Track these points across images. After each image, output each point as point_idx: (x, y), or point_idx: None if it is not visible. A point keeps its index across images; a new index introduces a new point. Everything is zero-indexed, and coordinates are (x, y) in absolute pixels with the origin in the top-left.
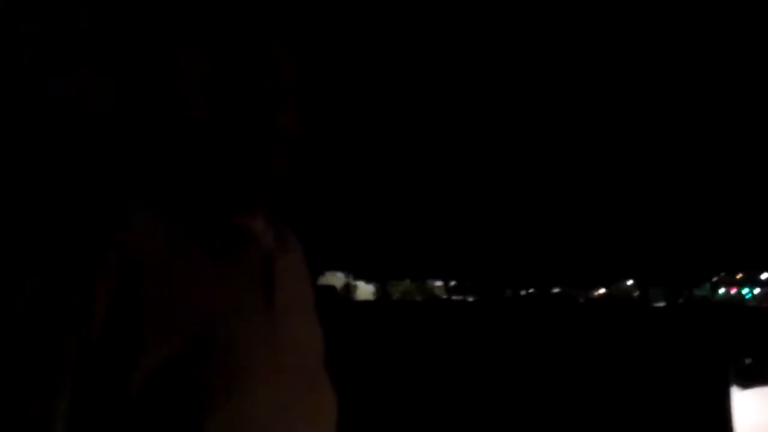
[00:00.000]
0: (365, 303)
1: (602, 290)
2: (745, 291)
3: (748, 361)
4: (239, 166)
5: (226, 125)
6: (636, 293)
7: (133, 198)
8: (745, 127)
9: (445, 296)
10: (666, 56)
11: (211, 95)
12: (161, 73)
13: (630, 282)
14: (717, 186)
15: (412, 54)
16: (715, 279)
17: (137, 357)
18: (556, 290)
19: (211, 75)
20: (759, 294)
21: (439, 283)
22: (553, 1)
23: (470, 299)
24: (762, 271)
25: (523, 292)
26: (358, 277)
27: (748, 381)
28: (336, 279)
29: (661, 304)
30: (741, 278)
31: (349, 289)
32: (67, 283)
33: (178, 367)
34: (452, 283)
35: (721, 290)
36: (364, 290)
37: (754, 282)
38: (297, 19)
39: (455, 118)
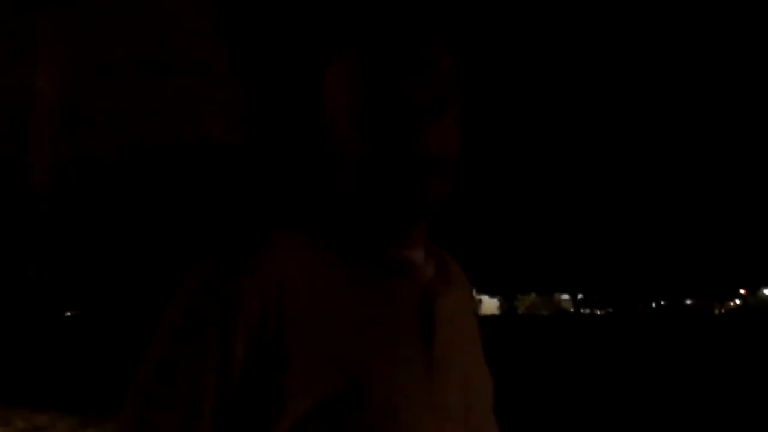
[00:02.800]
0: (491, 317)
1: (738, 300)
2: None
3: None
4: (392, 193)
5: (377, 149)
6: None
7: (279, 231)
8: None
9: (572, 310)
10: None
11: (362, 117)
12: (308, 98)
13: None
14: None
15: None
16: None
17: (280, 405)
18: (689, 302)
19: (360, 94)
20: None
21: (566, 297)
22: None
23: (599, 312)
24: None
25: (654, 305)
26: (482, 291)
27: None
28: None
29: None
30: None
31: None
32: (206, 327)
33: (324, 417)
34: (580, 296)
35: None
36: (489, 304)
37: None
38: (453, 21)
39: (582, 133)
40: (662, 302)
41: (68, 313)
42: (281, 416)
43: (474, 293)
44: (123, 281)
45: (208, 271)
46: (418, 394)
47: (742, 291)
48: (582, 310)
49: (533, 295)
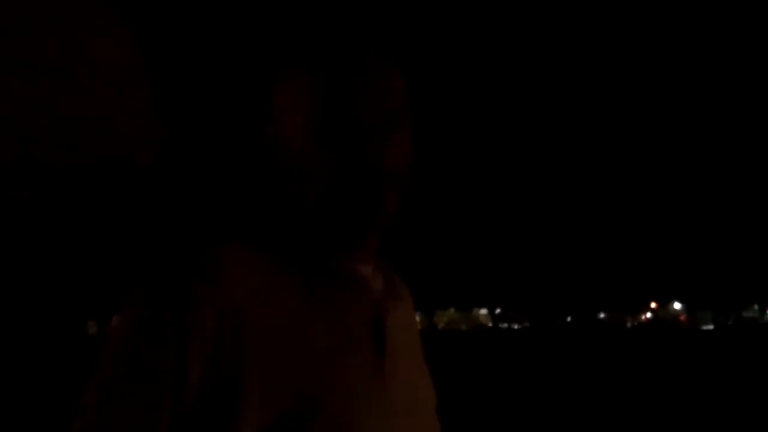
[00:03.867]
0: None
1: (649, 314)
2: None
3: None
4: (346, 207)
5: (332, 164)
6: (683, 316)
7: (233, 245)
8: None
9: (490, 324)
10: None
11: (314, 134)
12: (261, 114)
13: (678, 305)
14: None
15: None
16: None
17: (235, 425)
18: (602, 315)
19: (312, 113)
20: None
21: (484, 311)
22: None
23: (516, 327)
24: None
25: (569, 318)
26: None
27: None
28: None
29: (710, 327)
30: None
31: None
32: (160, 347)
33: (286, 426)
34: (497, 310)
35: None
36: None
37: None
38: (401, 36)
39: (497, 149)
40: (577, 316)
41: None
42: (238, 429)
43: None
44: (34, 305)
45: (161, 289)
46: (371, 401)
47: (652, 304)
48: (500, 325)
49: (452, 311)
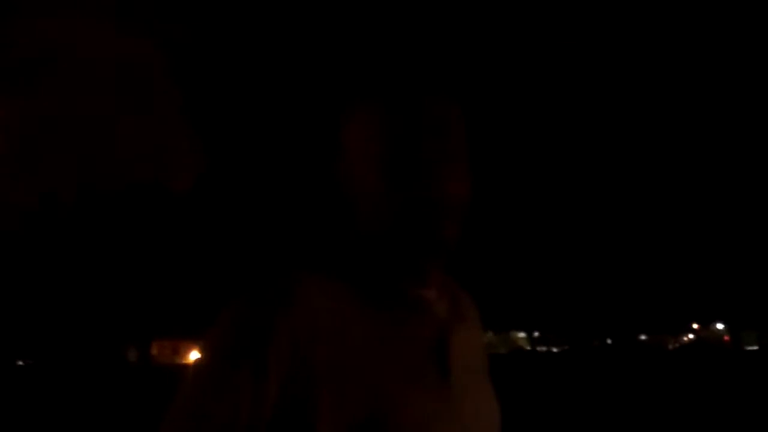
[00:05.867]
0: None
1: (691, 335)
2: None
3: None
4: (410, 237)
5: (396, 197)
6: (727, 336)
7: (308, 273)
8: None
9: (529, 347)
10: None
11: (380, 169)
12: (331, 150)
13: (720, 325)
14: None
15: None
16: None
17: None
18: (643, 337)
19: (378, 148)
20: None
21: (522, 335)
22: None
23: (555, 350)
24: None
25: (609, 341)
26: None
27: None
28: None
29: (755, 348)
30: None
31: None
32: (240, 361)
33: None
34: (536, 333)
35: None
36: None
37: None
38: (460, 73)
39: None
40: (617, 338)
41: (20, 363)
42: None
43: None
44: (73, 332)
45: (243, 314)
46: (438, 423)
47: (694, 325)
48: (538, 348)
49: (490, 334)
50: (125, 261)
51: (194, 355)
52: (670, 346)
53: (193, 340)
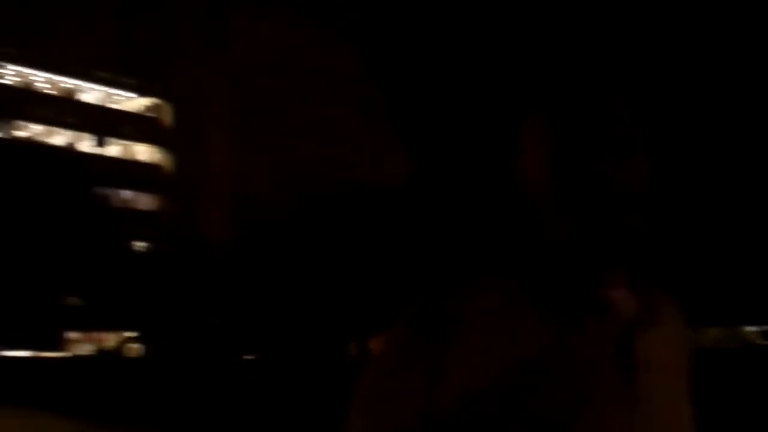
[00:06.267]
0: None
1: None
2: None
3: None
4: (590, 235)
5: (572, 194)
6: None
7: (484, 274)
8: None
9: (762, 342)
10: None
11: (557, 167)
12: (507, 152)
13: None
14: None
15: None
16: None
17: None
18: None
19: (549, 149)
20: None
21: (754, 328)
22: None
23: None
24: None
25: None
26: None
27: None
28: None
29: None
30: None
31: None
32: (415, 365)
33: None
34: None
35: None
36: None
37: None
38: (633, 63)
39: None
40: None
41: (248, 357)
42: None
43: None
44: (300, 326)
45: (420, 320)
46: (620, 426)
47: None
48: None
49: (718, 329)
50: (346, 257)
51: None
52: None
53: None
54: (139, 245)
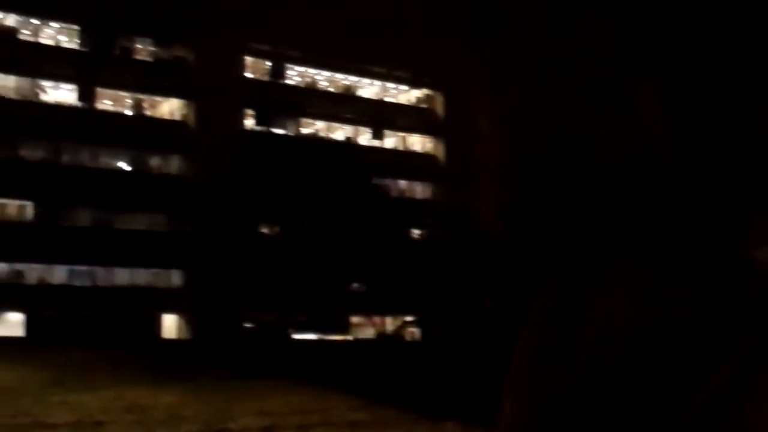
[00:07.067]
0: None
1: None
2: None
3: None
4: (714, 184)
5: (693, 142)
6: None
7: (614, 254)
8: None
9: None
10: None
11: (673, 116)
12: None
13: None
14: None
15: None
16: None
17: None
18: None
19: (662, 115)
20: None
21: None
22: None
23: None
24: None
25: None
26: None
27: None
28: None
29: None
30: None
31: None
32: (550, 349)
33: None
34: None
35: None
36: None
37: None
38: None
39: None
40: None
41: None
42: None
43: None
44: None
45: (554, 300)
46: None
47: None
48: None
49: None
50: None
51: None
52: None
53: None
54: (416, 233)
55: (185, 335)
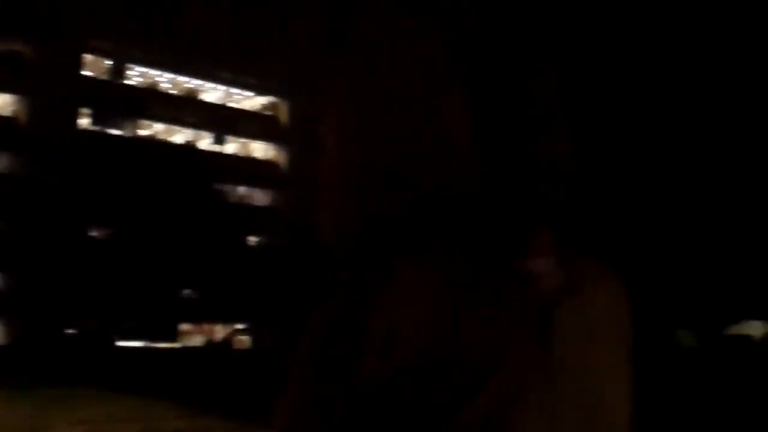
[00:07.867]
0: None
1: None
2: None
3: None
4: (508, 203)
5: (489, 161)
6: None
7: (405, 249)
8: None
9: None
10: None
11: (474, 134)
12: (428, 115)
13: None
14: None
15: None
16: None
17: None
18: None
19: (471, 114)
20: None
21: None
22: None
23: None
24: None
25: None
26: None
27: None
28: (753, 328)
29: None
30: None
31: None
32: (340, 345)
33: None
34: None
35: None
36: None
37: None
38: (558, 33)
39: None
40: None
41: None
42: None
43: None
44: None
45: (344, 295)
46: (533, 403)
47: None
48: None
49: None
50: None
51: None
52: None
53: None
54: (252, 240)
55: (1, 340)
